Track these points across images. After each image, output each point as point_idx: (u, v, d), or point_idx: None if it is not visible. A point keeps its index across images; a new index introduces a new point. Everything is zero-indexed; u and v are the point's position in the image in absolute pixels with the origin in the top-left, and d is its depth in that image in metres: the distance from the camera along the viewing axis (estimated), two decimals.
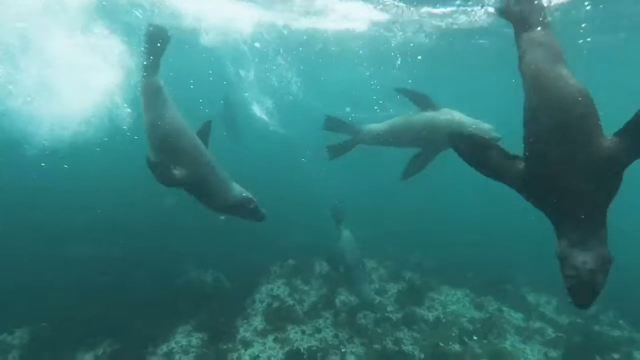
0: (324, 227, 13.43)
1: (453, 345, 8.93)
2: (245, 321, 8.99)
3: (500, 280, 12.53)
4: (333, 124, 6.73)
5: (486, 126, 5.69)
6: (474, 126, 5.69)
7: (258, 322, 8.90)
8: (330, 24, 13.18)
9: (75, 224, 13.24)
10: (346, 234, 9.42)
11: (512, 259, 14.44)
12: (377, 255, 13.27)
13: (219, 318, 8.91)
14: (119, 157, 16.53)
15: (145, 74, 5.15)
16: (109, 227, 13.57)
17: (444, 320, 9.79)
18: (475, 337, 9.30)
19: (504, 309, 10.70)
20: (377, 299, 9.93)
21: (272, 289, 10.39)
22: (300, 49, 15.75)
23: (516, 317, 10.38)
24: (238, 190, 4.82)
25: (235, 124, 14.68)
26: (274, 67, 16.15)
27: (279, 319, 8.94)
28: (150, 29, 5.14)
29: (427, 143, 6.23)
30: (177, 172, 4.50)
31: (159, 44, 5.17)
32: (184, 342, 8.30)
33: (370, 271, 12.02)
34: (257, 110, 16.23)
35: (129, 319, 8.87)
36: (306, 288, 10.62)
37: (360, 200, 17.46)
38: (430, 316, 9.94)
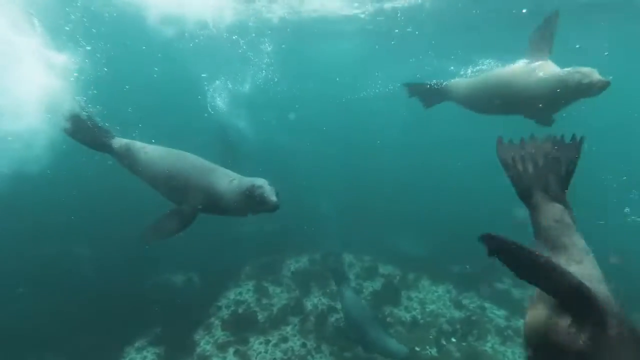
0: (300, 222, 12.90)
1: (430, 349, 8.40)
2: (207, 332, 8.39)
3: (486, 272, 11.98)
4: (414, 89, 6.14)
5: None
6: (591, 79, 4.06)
7: (220, 332, 8.30)
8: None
9: (40, 225, 12.68)
10: (349, 294, 8.25)
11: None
12: (356, 248, 12.68)
13: (178, 329, 8.32)
14: (87, 158, 15.76)
15: (108, 152, 5.01)
16: (78, 228, 13.09)
17: (421, 322, 9.25)
18: (453, 340, 8.78)
19: (487, 305, 10.15)
20: (407, 350, 7.57)
21: (240, 293, 9.79)
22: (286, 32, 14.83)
23: (499, 314, 9.85)
24: (247, 181, 4.25)
25: (231, 145, 13.61)
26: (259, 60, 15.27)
27: (243, 328, 8.35)
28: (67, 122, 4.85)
29: (527, 108, 4.79)
30: (186, 207, 4.36)
31: (85, 125, 4.89)
32: (138, 359, 7.70)
33: (348, 269, 11.46)
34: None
35: (83, 331, 8.28)
36: (278, 290, 10.02)
37: (342, 188, 16.73)
38: (408, 317, 9.38)
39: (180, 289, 10.48)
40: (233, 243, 12.65)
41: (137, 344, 8.10)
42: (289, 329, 8.50)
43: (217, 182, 4.30)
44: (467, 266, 11.98)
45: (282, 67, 16.38)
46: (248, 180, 4.21)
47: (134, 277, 10.53)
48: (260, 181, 4.12)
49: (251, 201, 4.05)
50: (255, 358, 7.64)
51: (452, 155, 25.94)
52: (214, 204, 4.32)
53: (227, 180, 4.30)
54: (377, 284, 10.53)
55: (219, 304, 9.34)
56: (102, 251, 11.83)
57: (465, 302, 10.21)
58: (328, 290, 9.97)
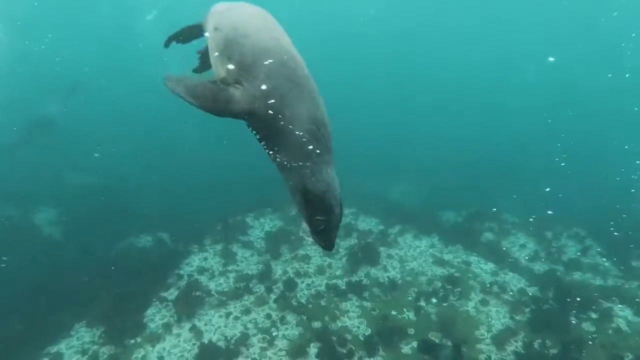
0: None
1: (407, 312, 7.75)
2: (165, 305, 7.69)
3: (476, 218, 11.23)
4: None
5: None
6: None
7: (177, 306, 7.57)
8: None
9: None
10: None
11: (495, 192, 13.06)
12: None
13: (132, 302, 7.63)
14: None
15: None
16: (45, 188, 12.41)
17: (400, 282, 8.54)
18: (434, 300, 8.11)
19: (472, 259, 9.41)
20: None
21: (205, 259, 9.02)
22: None
23: (485, 268, 9.13)
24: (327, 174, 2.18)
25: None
26: None
27: (202, 299, 7.66)
28: None
29: None
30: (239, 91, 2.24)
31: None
32: (87, 337, 7.06)
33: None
34: None
35: (29, 306, 7.60)
36: (247, 254, 9.25)
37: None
38: (386, 277, 8.66)
39: (146, 251, 9.70)
40: (210, 197, 11.83)
41: (87, 319, 7.43)
42: (252, 298, 7.81)
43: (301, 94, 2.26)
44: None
45: None
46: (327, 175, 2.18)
47: (100, 242, 9.84)
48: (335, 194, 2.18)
49: (311, 200, 2.17)
50: (214, 334, 7.00)
51: (447, 97, 24.29)
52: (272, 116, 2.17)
53: (315, 110, 2.23)
54: (355, 241, 9.73)
55: (181, 272, 8.60)
56: (69, 213, 11.25)
57: (449, 257, 9.46)
58: (300, 253, 9.20)
